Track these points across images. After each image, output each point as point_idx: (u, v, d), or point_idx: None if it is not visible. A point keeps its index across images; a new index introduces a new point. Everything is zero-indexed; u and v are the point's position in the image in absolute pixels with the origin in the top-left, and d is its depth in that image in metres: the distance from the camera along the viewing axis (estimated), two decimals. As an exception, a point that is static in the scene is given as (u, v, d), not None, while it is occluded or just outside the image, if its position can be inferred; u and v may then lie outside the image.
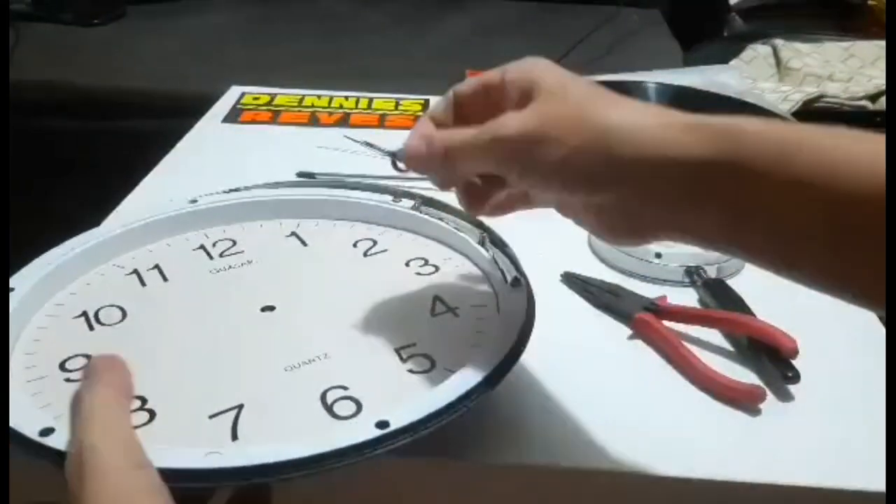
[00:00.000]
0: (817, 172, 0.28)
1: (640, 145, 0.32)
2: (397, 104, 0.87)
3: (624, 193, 0.33)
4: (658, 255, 0.56)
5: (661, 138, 0.31)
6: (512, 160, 0.35)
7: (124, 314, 0.45)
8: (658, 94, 0.82)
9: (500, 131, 0.35)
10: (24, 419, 0.34)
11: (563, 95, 0.34)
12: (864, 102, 0.80)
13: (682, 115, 0.32)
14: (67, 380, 0.39)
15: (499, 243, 0.49)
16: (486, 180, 0.40)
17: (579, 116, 0.33)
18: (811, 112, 0.79)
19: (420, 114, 0.85)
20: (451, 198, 0.44)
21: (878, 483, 0.38)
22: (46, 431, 0.33)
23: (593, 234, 0.38)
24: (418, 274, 0.49)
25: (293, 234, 0.54)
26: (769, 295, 0.48)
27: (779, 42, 0.95)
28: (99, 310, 0.45)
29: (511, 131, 0.35)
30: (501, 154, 0.36)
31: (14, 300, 0.43)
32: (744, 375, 0.46)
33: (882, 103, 0.80)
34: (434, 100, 0.87)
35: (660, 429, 0.42)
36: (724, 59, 0.97)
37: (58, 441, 0.33)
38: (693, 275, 0.55)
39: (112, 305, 0.45)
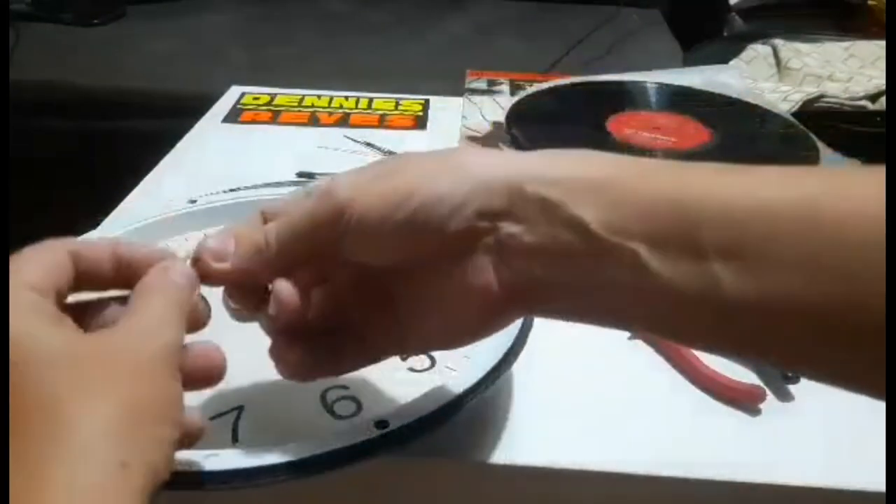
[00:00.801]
0: None
1: None
2: (397, 104, 0.87)
3: None
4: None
5: None
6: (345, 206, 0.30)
7: (124, 315, 0.45)
8: (658, 94, 0.82)
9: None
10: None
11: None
12: (864, 102, 0.80)
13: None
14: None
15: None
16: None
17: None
18: (811, 112, 0.79)
19: (420, 114, 0.85)
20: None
21: (878, 483, 0.38)
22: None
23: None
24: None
25: (293, 234, 0.54)
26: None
27: (779, 42, 0.94)
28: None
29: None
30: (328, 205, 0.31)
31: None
32: (744, 375, 0.46)
33: (882, 103, 0.80)
34: (433, 100, 0.88)
35: (660, 429, 0.42)
36: (724, 59, 0.96)
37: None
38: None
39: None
